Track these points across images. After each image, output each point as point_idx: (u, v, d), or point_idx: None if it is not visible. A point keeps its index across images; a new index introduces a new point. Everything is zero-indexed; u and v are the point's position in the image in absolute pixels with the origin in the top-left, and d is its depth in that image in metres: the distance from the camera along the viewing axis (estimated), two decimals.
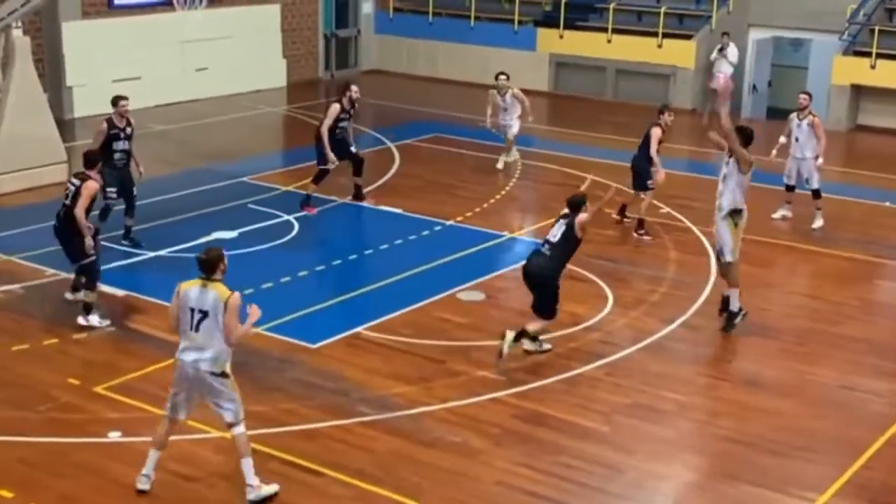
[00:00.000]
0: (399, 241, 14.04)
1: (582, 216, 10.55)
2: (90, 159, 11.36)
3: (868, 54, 21.59)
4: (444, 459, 8.75)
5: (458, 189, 16.41)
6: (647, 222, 14.43)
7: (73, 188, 11.02)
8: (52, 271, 12.23)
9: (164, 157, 17.68)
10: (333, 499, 8.19)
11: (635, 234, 14.28)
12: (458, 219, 14.96)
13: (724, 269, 11.39)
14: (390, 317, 11.54)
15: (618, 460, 8.87)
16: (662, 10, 23.59)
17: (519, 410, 9.60)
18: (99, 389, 9.71)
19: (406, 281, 12.64)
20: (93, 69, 20.49)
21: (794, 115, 14.98)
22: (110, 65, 20.64)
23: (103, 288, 11.89)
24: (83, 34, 20.47)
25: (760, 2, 23.43)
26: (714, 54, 22.61)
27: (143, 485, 8.09)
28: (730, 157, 11.10)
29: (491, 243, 14.18)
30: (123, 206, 13.28)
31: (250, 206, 15.24)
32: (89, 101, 20.42)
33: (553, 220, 10.92)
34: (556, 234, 10.59)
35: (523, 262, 10.79)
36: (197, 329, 7.83)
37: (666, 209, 15.44)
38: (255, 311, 7.94)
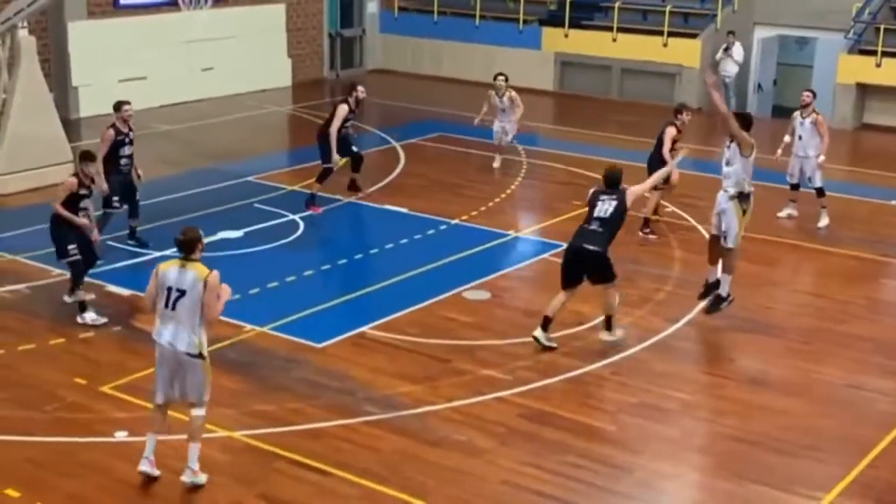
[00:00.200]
0: (404, 241, 14.05)
1: (635, 189, 10.94)
2: (83, 157, 11.41)
3: (874, 53, 21.56)
4: (449, 459, 8.75)
5: (463, 188, 16.41)
6: (651, 221, 14.42)
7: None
8: (58, 271, 12.24)
9: (170, 156, 17.71)
10: (340, 498, 8.20)
11: (640, 234, 14.27)
12: (464, 218, 14.97)
13: (724, 253, 11.37)
14: (396, 316, 11.54)
15: (624, 459, 8.87)
16: (668, 8, 23.57)
17: (524, 409, 9.60)
18: (105, 389, 9.73)
19: (411, 280, 12.65)
20: (98, 69, 20.52)
21: (797, 113, 14.97)
22: (116, 65, 20.68)
23: (109, 287, 11.93)
24: (89, 34, 20.51)
25: (766, 0, 23.42)
26: (719, 53, 22.62)
27: (144, 466, 8.18)
28: (731, 141, 11.12)
29: (496, 242, 14.19)
30: (127, 209, 13.27)
31: (256, 205, 15.26)
32: (95, 101, 20.45)
33: (581, 204, 10.98)
34: (606, 209, 10.68)
35: (571, 244, 10.80)
36: (174, 307, 7.94)
37: (671, 208, 15.42)
38: (225, 289, 8.07)
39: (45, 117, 15.79)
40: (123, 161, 13.01)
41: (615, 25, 23.91)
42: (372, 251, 13.85)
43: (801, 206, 15.19)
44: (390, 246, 13.90)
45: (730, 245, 11.26)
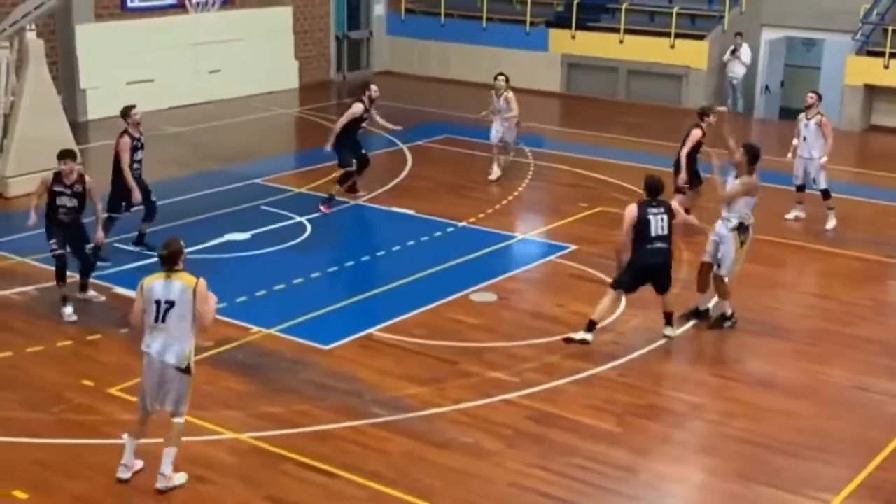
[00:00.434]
0: (411, 243, 14.05)
1: (679, 214, 11.02)
2: (62, 155, 11.49)
3: (881, 54, 21.50)
4: (456, 461, 8.75)
5: (470, 190, 16.40)
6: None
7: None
8: (67, 273, 12.26)
9: (178, 158, 17.74)
10: (347, 500, 8.20)
11: None
12: (471, 220, 14.97)
13: (716, 282, 11.37)
14: (403, 318, 11.55)
15: (631, 461, 8.86)
16: (675, 10, 23.55)
17: (531, 412, 9.60)
18: (113, 391, 9.75)
19: (418, 282, 12.65)
20: (106, 71, 20.56)
21: (802, 115, 14.95)
22: (124, 67, 20.72)
23: (117, 290, 11.97)
24: (97, 37, 20.55)
25: (773, 2, 23.38)
26: (727, 55, 22.60)
27: (122, 474, 8.23)
28: (737, 175, 11.18)
29: (503, 244, 14.18)
30: (144, 211, 13.25)
31: (263, 207, 15.27)
32: (103, 104, 20.48)
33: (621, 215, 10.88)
34: (662, 225, 10.66)
35: (649, 264, 10.69)
36: (164, 320, 7.97)
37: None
38: (212, 297, 8.13)
39: (53, 120, 15.81)
40: (136, 166, 12.98)
41: (622, 27, 23.89)
42: (379, 253, 13.85)
43: (808, 207, 15.17)
44: (397, 248, 13.90)
45: (723, 273, 11.29)
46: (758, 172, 11.27)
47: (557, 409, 9.67)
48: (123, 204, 13.00)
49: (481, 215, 15.18)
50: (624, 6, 24.08)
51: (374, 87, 15.33)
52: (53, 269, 11.44)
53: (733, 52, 22.48)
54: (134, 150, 12.92)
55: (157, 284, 8.01)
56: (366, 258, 13.64)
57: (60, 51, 20.20)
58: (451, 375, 10.28)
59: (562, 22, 24.81)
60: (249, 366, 10.35)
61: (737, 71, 22.64)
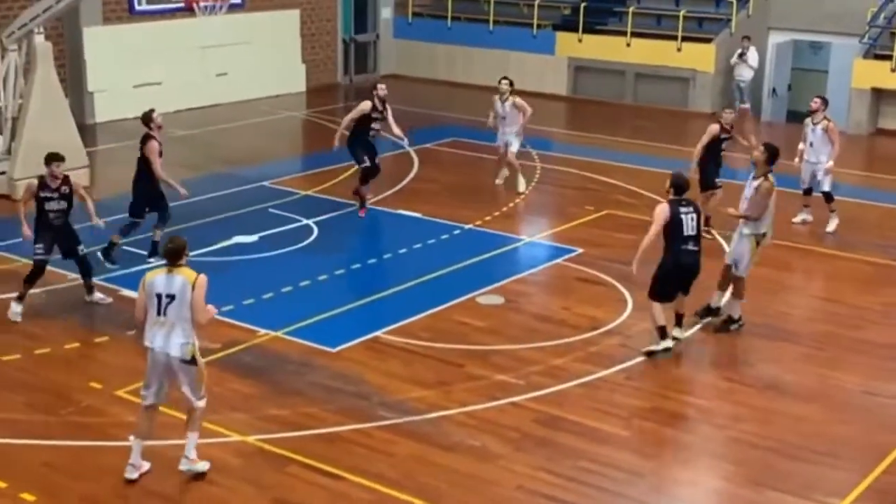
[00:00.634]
0: (418, 245, 14.05)
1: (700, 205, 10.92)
2: (49, 158, 11.46)
3: (889, 57, 21.46)
4: (463, 464, 8.75)
5: (476, 193, 16.39)
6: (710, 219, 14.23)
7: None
8: (73, 276, 12.28)
9: (185, 161, 17.73)
10: (354, 502, 8.19)
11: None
12: (477, 223, 14.97)
13: (734, 281, 11.39)
14: (410, 321, 11.55)
15: (638, 465, 8.85)
16: (682, 13, 23.54)
17: (538, 415, 9.59)
18: (121, 393, 9.76)
19: (425, 285, 12.65)
20: (114, 74, 20.62)
21: (808, 120, 14.92)
22: (131, 70, 20.78)
23: (125, 292, 11.99)
24: (104, 40, 20.59)
25: (780, 5, 23.37)
26: (734, 58, 22.58)
27: (130, 474, 8.29)
28: (755, 179, 11.16)
29: (510, 247, 14.18)
30: (157, 216, 13.18)
31: (270, 210, 15.29)
32: (111, 107, 20.59)
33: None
34: (693, 227, 10.54)
35: (684, 266, 10.59)
36: (165, 313, 8.09)
37: None
38: (211, 309, 8.26)
39: (60, 122, 15.84)
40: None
41: (629, 30, 23.88)
42: (386, 256, 13.86)
43: (816, 210, 15.15)
44: (404, 251, 13.90)
45: (740, 273, 11.29)
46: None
47: (564, 412, 9.66)
48: (146, 208, 12.96)
49: (488, 218, 15.18)
50: (631, 9, 24.08)
51: (381, 86, 15.22)
52: (31, 269, 11.44)
53: (740, 55, 22.47)
54: (159, 154, 12.90)
55: (158, 279, 8.14)
56: (372, 261, 13.64)
57: (68, 54, 20.26)
58: (457, 378, 10.28)
59: (569, 25, 24.81)
60: (256, 368, 10.36)
61: (744, 74, 22.63)
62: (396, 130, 15.19)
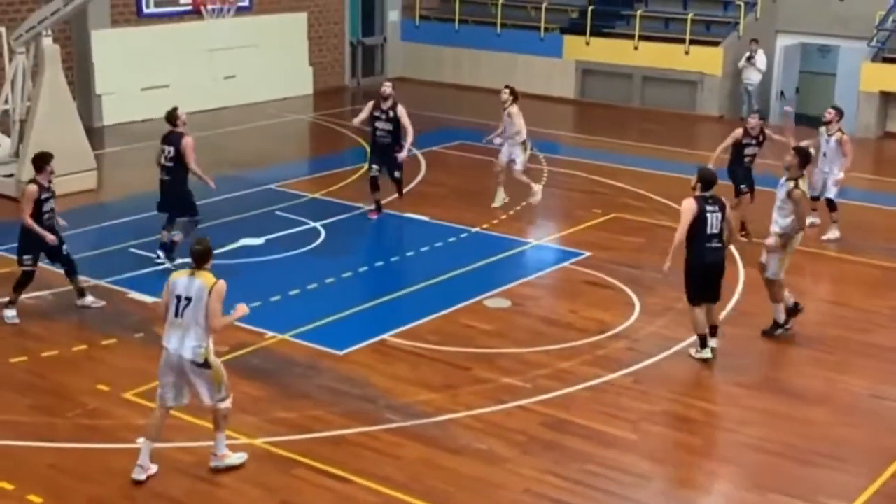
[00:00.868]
0: (425, 249, 14.06)
1: (730, 222, 10.74)
2: (39, 159, 11.33)
3: None
4: (470, 467, 8.74)
5: (483, 196, 16.36)
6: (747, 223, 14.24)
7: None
8: (81, 278, 12.30)
9: None
10: None
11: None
12: (485, 226, 14.96)
13: (766, 285, 11.36)
14: (417, 324, 11.55)
15: (645, 468, 8.83)
16: (689, 16, 23.52)
17: (545, 418, 9.58)
18: (128, 395, 9.77)
19: (432, 288, 12.65)
20: (122, 77, 20.66)
21: (822, 129, 14.83)
22: (139, 73, 20.81)
23: (132, 294, 12.01)
24: (112, 42, 20.63)
25: (788, 8, 23.34)
26: (742, 62, 22.55)
27: (138, 475, 8.31)
28: (787, 179, 11.10)
29: (517, 250, 14.18)
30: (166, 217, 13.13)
31: (277, 213, 15.30)
32: (118, 109, 20.63)
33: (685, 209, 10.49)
34: (717, 225, 10.44)
35: (707, 263, 10.51)
36: (181, 315, 8.16)
37: None
38: (241, 308, 8.32)
39: (68, 125, 15.88)
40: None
41: (637, 33, 23.86)
42: (393, 259, 13.87)
43: (823, 215, 15.09)
44: (411, 254, 13.91)
45: (769, 276, 11.24)
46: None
47: (571, 415, 9.65)
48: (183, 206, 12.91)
49: (495, 221, 15.17)
50: (639, 13, 24.06)
51: (384, 84, 15.05)
52: (19, 278, 11.40)
53: (748, 58, 22.43)
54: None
55: (181, 280, 8.21)
56: (380, 264, 13.65)
57: (76, 56, 20.30)
58: (464, 381, 10.27)
59: (576, 28, 24.80)
60: (264, 371, 10.36)
61: (752, 77, 22.59)
62: (407, 133, 14.79)
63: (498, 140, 15.73)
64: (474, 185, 17.11)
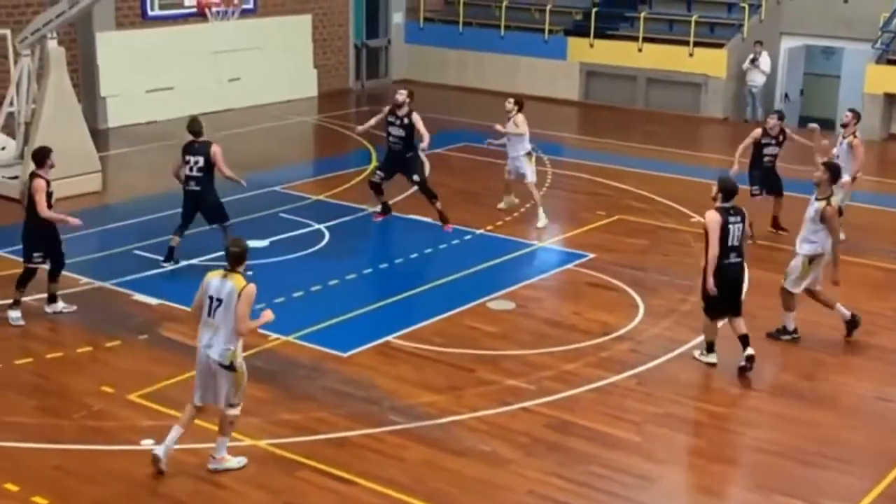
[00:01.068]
0: (429, 250, 14.07)
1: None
2: (40, 154, 11.43)
3: None
4: (474, 469, 8.75)
5: (487, 198, 16.38)
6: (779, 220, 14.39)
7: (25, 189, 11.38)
8: (85, 280, 12.35)
9: None
10: None
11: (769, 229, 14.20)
12: (488, 228, 14.97)
13: (781, 294, 11.31)
14: (420, 325, 11.55)
15: (649, 470, 8.83)
16: (693, 18, 23.51)
17: (549, 420, 9.58)
18: (133, 397, 9.79)
19: (436, 290, 12.66)
20: (126, 80, 20.68)
21: (841, 131, 14.77)
22: (144, 75, 20.84)
23: (136, 296, 12.03)
24: (117, 45, 20.66)
25: (792, 10, 23.32)
26: (746, 63, 22.54)
27: (157, 450, 8.43)
28: (817, 198, 11.08)
29: (521, 252, 14.18)
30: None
31: (281, 215, 15.32)
32: (123, 111, 20.66)
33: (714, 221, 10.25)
34: (738, 237, 10.29)
35: (730, 279, 10.38)
36: (213, 316, 8.26)
37: (696, 218, 15.34)
38: (267, 314, 8.44)
39: (73, 127, 15.90)
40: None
41: (641, 35, 23.85)
42: (397, 261, 13.88)
43: None
44: (415, 255, 13.92)
45: (787, 286, 11.21)
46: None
47: (575, 417, 9.65)
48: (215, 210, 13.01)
49: (499, 223, 15.18)
50: (643, 15, 24.06)
51: (399, 92, 14.87)
52: (22, 273, 11.43)
53: (752, 60, 22.41)
54: None
55: (214, 281, 8.30)
56: (384, 265, 13.66)
57: (81, 59, 20.33)
58: (468, 383, 10.28)
59: (580, 30, 24.81)
60: (268, 372, 10.37)
61: (756, 79, 22.58)
62: (424, 139, 14.63)
63: (497, 142, 15.70)
64: (478, 186, 17.12)
